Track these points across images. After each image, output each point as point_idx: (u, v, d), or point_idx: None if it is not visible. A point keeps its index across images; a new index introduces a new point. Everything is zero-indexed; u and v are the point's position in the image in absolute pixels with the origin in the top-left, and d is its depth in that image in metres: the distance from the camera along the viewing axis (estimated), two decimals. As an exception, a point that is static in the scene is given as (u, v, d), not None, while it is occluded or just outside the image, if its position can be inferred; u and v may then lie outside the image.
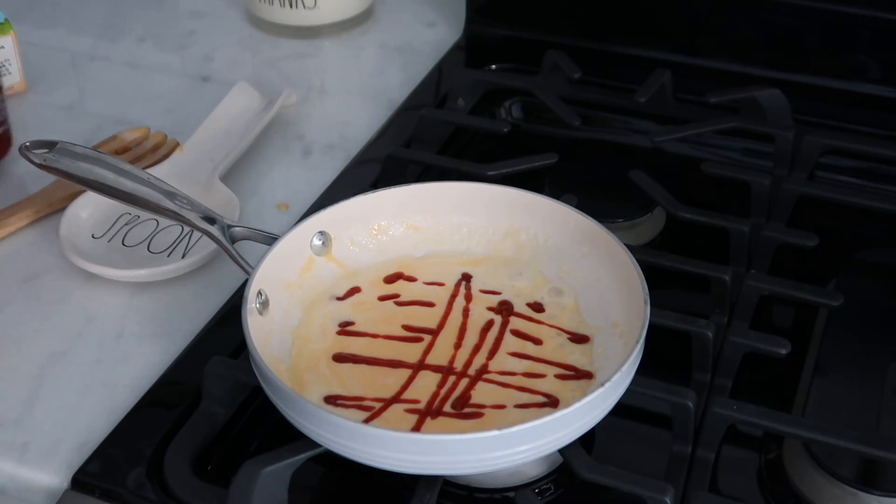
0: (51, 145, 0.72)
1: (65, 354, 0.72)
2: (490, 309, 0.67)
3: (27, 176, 0.87)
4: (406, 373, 0.63)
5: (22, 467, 0.64)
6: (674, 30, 0.98)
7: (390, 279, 0.69)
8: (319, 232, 0.69)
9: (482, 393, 0.61)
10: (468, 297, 0.68)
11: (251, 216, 0.84)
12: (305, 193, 0.85)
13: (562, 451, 0.58)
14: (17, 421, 0.67)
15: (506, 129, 0.90)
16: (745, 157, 0.91)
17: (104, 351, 0.72)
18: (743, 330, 0.69)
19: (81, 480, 0.62)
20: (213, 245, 0.71)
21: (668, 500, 0.56)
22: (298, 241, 0.68)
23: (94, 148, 0.79)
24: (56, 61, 1.05)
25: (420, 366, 0.63)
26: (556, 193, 0.73)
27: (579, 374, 0.63)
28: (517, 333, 0.66)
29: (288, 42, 1.09)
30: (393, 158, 0.85)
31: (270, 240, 0.67)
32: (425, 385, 0.62)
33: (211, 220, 0.70)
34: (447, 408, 0.60)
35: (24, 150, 0.72)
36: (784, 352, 0.66)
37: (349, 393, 0.61)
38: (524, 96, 0.98)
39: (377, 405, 0.60)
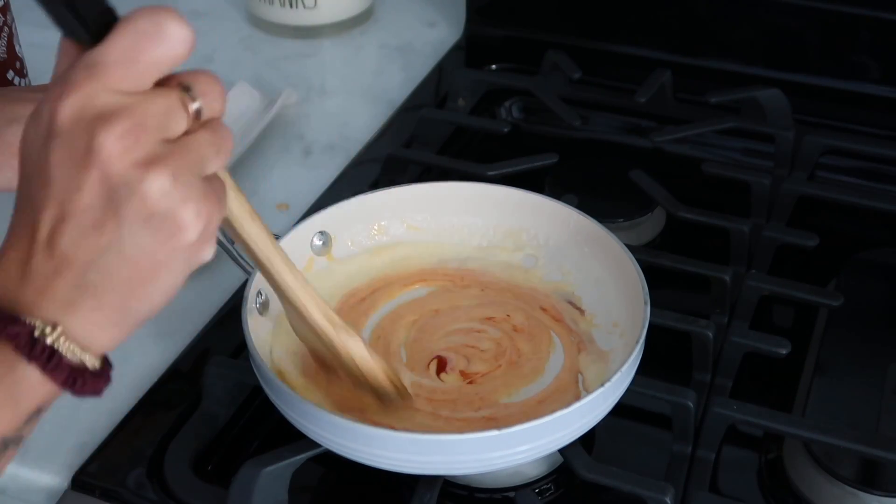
0: None
1: (65, 354, 0.72)
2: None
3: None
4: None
5: (22, 467, 0.64)
6: (674, 30, 0.98)
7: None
8: (320, 232, 0.69)
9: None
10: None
11: (251, 216, 0.84)
12: (305, 193, 0.85)
13: (562, 451, 0.58)
14: (17, 421, 0.67)
15: (506, 129, 0.90)
16: (746, 157, 0.91)
17: (104, 351, 0.72)
18: (743, 330, 0.69)
19: (81, 480, 0.62)
20: (213, 245, 0.71)
21: (668, 500, 0.56)
22: (299, 241, 0.68)
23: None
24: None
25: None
26: (556, 193, 0.73)
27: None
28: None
29: (288, 42, 1.09)
30: (393, 158, 0.85)
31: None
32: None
33: (211, 220, 0.69)
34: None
35: None
36: (784, 352, 0.66)
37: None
38: (524, 96, 0.98)
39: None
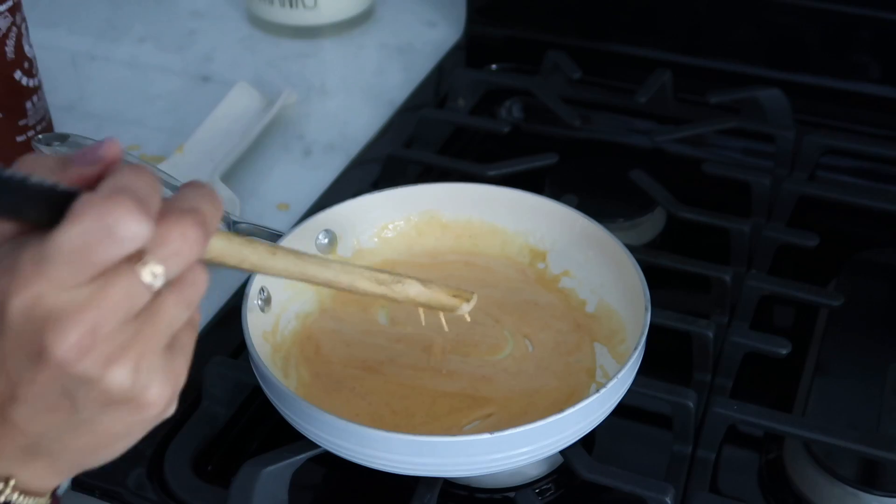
0: (63, 138, 0.73)
1: (65, 354, 0.72)
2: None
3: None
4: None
5: (22, 467, 0.64)
6: (674, 30, 0.98)
7: None
8: (325, 230, 0.69)
9: None
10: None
11: (251, 216, 0.84)
12: (306, 193, 0.85)
13: (562, 451, 0.58)
14: (17, 421, 0.67)
15: (506, 129, 0.90)
16: (746, 157, 0.91)
17: (104, 351, 0.72)
18: (743, 330, 0.69)
19: (81, 480, 0.62)
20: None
21: (668, 500, 0.56)
22: (304, 239, 0.68)
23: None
24: (56, 61, 1.05)
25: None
26: (556, 193, 0.73)
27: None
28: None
29: (288, 42, 1.09)
30: (393, 158, 0.85)
31: (275, 237, 0.67)
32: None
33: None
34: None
35: (37, 143, 0.73)
36: (784, 352, 0.66)
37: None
38: (524, 96, 0.98)
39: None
